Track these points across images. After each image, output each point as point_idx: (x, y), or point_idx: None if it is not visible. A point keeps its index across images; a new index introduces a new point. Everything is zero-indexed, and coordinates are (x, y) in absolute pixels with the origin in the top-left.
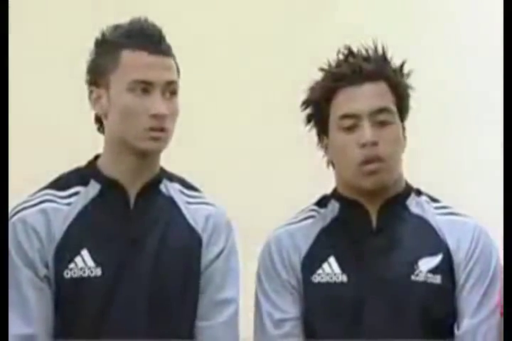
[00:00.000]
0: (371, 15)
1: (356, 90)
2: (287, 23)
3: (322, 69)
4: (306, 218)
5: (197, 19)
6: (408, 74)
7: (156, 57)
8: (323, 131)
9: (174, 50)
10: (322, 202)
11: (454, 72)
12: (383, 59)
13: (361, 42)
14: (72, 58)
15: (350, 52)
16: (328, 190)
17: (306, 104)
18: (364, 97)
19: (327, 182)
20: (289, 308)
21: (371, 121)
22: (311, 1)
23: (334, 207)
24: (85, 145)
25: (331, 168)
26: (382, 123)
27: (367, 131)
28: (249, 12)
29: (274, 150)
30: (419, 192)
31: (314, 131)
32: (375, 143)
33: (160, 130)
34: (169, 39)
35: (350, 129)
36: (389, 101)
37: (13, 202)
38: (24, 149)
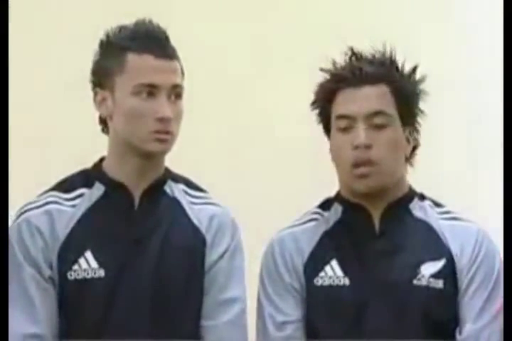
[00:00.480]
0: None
1: (355, 92)
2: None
3: (323, 70)
4: (309, 220)
5: (203, 22)
6: (422, 80)
7: (162, 61)
8: (327, 131)
9: (180, 53)
10: (325, 205)
11: (453, 73)
12: (389, 62)
13: (370, 45)
14: (74, 59)
15: (353, 53)
16: (333, 192)
17: (314, 104)
18: (361, 100)
19: (331, 184)
20: (292, 311)
21: (367, 124)
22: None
23: (337, 210)
24: (86, 148)
25: (334, 169)
26: (378, 127)
27: (361, 134)
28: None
29: (277, 151)
30: (422, 197)
31: (317, 133)
32: (368, 146)
33: (165, 132)
34: (172, 39)
35: (345, 130)
36: (388, 105)
37: (13, 204)
38: (24, 152)
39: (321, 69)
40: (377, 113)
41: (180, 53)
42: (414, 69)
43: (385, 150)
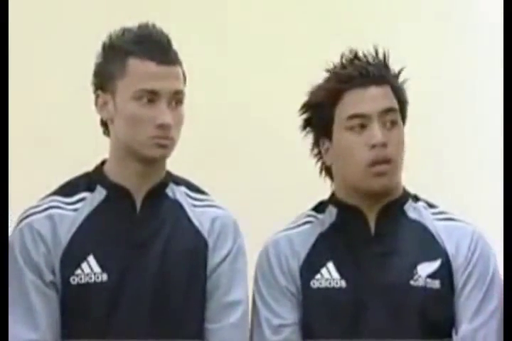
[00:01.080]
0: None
1: (363, 92)
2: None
3: (328, 71)
4: (304, 223)
5: (203, 21)
6: (404, 82)
7: (163, 67)
8: (324, 134)
9: (181, 51)
10: (319, 208)
11: (451, 73)
12: (384, 65)
13: (363, 48)
14: (75, 62)
15: (356, 55)
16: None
17: (305, 107)
18: (372, 98)
19: (327, 186)
20: (288, 314)
21: (380, 122)
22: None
23: (332, 212)
24: (89, 149)
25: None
26: (390, 124)
27: (377, 132)
28: (258, 14)
29: (277, 153)
30: (416, 198)
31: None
32: (384, 144)
33: (165, 138)
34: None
35: (358, 130)
36: (395, 103)
37: (13, 208)
38: (24, 155)
39: (327, 70)
40: (390, 110)
41: (180, 55)
42: (400, 71)
43: (397, 148)
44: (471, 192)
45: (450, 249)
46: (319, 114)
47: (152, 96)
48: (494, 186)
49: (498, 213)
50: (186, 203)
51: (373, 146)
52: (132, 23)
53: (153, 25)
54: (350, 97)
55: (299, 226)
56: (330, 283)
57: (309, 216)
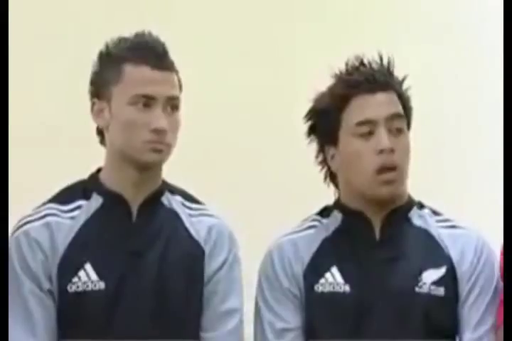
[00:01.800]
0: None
1: (370, 98)
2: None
3: (336, 76)
4: (308, 227)
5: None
6: (407, 89)
7: (158, 72)
8: (330, 140)
9: (175, 56)
10: (324, 213)
11: (451, 74)
12: (389, 72)
13: (367, 56)
14: (75, 62)
15: (362, 61)
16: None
17: (310, 114)
18: (378, 104)
19: (330, 192)
20: (290, 317)
21: (387, 128)
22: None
23: (337, 217)
24: (87, 152)
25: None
26: (397, 131)
27: (384, 138)
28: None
29: (277, 157)
30: (421, 205)
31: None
32: (392, 150)
33: (160, 143)
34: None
35: (366, 136)
36: (401, 110)
37: (12, 211)
38: (24, 155)
39: (335, 76)
40: (397, 116)
41: (181, 55)
42: (404, 79)
43: (403, 155)
44: (471, 193)
45: (454, 255)
46: (325, 120)
47: (147, 101)
48: (494, 186)
49: (498, 213)
50: (182, 212)
51: (381, 151)
52: (132, 24)
53: (150, 34)
54: (357, 103)
55: (303, 230)
56: (334, 288)
57: (314, 220)
